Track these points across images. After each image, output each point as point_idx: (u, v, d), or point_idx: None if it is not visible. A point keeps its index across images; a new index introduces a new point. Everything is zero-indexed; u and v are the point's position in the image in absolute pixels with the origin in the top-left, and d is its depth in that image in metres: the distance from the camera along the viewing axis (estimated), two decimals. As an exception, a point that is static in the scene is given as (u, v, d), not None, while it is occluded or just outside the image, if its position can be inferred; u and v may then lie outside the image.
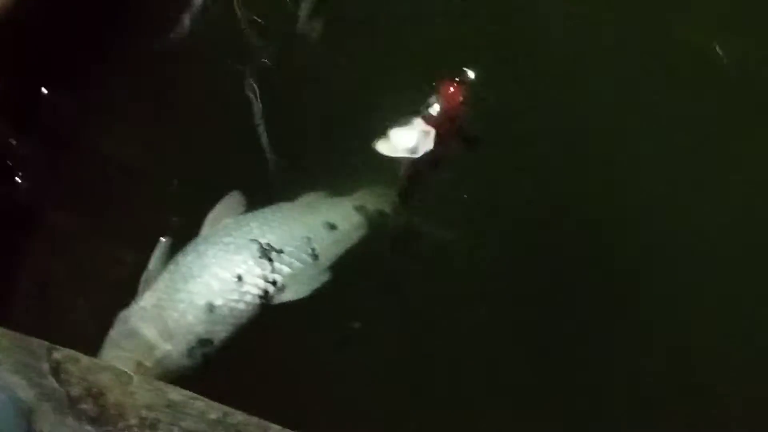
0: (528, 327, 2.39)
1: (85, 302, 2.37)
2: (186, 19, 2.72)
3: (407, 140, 2.39)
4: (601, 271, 2.45)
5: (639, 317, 2.39)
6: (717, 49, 2.59)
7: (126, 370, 1.90)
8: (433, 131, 2.39)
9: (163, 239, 2.32)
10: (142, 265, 2.32)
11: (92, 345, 2.16)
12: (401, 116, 2.41)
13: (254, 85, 2.59)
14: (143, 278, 2.25)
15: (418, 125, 2.39)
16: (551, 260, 2.46)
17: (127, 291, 2.28)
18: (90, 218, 2.51)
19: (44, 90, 2.60)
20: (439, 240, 2.43)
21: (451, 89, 2.42)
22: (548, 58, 2.64)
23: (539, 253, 2.47)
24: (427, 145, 2.39)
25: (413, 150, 2.39)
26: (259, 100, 2.58)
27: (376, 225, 2.46)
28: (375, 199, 2.50)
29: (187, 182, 2.51)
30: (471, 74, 2.50)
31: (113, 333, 2.19)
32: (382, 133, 2.40)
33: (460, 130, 2.46)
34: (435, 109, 2.40)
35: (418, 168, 2.46)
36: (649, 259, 2.47)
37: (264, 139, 2.55)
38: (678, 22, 2.67)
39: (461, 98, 2.42)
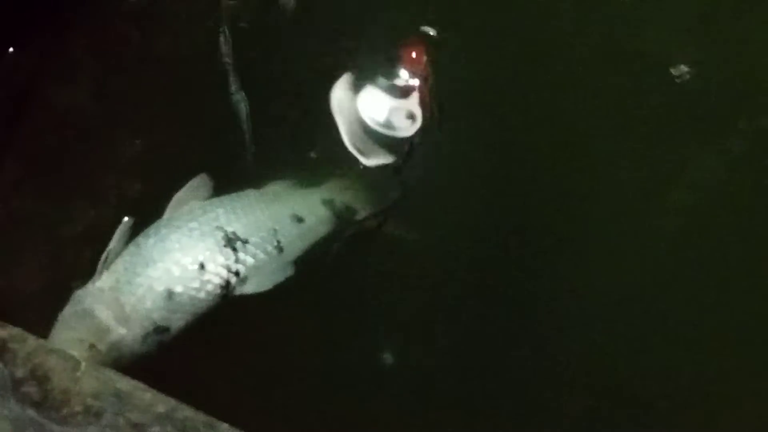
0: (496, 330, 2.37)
1: (37, 275, 2.33)
2: None
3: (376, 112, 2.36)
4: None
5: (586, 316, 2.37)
6: (681, 65, 2.57)
7: (76, 352, 1.86)
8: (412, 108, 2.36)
9: (126, 219, 2.25)
10: (99, 238, 2.24)
11: (42, 322, 2.09)
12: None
13: (229, 52, 2.53)
14: (102, 258, 2.18)
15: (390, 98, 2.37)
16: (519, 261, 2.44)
17: (83, 268, 2.23)
18: (47, 188, 2.46)
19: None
20: (403, 238, 2.41)
21: (414, 52, 2.37)
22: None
23: (506, 253, 2.45)
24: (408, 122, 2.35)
25: (386, 125, 2.36)
26: (233, 69, 2.52)
27: (343, 220, 2.41)
28: (344, 193, 2.45)
29: (149, 152, 2.47)
30: (430, 32, 2.45)
31: (66, 312, 2.12)
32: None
33: (434, 93, 2.41)
34: (404, 77, 2.38)
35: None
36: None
37: (238, 114, 2.49)
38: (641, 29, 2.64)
39: (425, 58, 2.37)
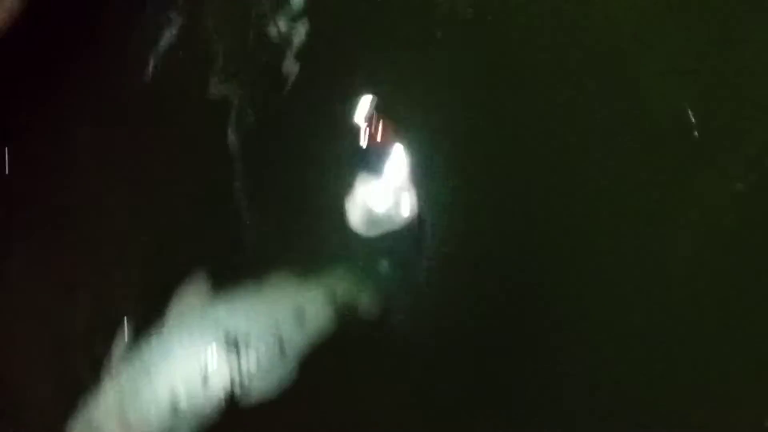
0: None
1: (42, 379, 2.35)
2: (152, 59, 2.62)
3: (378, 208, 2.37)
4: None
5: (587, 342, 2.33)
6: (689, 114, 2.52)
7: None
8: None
9: (126, 319, 2.25)
10: (102, 336, 2.27)
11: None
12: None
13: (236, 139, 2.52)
14: (107, 367, 2.19)
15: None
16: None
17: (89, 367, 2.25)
18: (48, 288, 2.48)
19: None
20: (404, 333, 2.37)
21: (374, 129, 2.39)
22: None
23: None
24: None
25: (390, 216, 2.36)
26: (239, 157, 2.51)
27: (345, 318, 2.37)
28: (346, 289, 2.40)
29: (150, 245, 2.46)
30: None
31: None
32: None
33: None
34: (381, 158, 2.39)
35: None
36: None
37: (240, 200, 2.48)
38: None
39: (388, 132, 2.39)
